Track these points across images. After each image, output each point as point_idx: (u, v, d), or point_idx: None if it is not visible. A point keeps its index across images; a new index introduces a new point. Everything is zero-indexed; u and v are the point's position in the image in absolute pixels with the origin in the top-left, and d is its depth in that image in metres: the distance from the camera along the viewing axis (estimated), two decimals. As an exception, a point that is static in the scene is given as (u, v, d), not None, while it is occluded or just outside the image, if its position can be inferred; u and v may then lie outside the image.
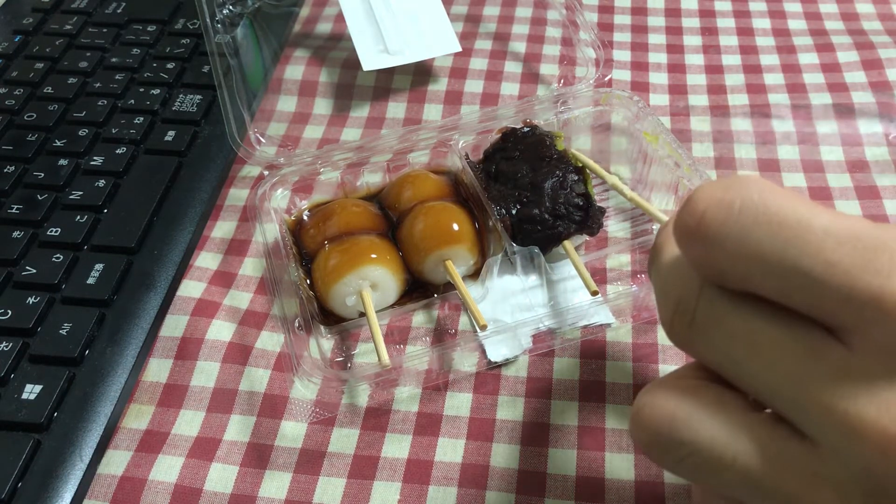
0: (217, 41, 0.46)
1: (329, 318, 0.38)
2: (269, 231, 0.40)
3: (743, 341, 0.22)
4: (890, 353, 0.20)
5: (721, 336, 0.23)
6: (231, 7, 0.48)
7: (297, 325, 0.36)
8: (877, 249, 0.20)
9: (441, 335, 0.39)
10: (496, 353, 0.37)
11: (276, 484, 0.34)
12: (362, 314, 0.37)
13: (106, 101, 0.49)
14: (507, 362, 0.37)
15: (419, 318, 0.39)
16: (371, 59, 0.50)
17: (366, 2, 0.52)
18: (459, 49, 0.51)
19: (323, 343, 0.38)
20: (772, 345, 0.22)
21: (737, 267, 0.22)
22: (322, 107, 0.52)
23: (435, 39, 0.51)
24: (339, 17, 0.58)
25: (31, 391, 0.35)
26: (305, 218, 0.42)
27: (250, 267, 0.42)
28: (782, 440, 0.22)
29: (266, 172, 0.43)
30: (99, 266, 0.40)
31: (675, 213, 0.23)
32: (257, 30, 0.52)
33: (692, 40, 0.56)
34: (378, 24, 0.51)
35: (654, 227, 0.42)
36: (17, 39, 0.55)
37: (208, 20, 0.46)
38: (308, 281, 0.39)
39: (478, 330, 0.36)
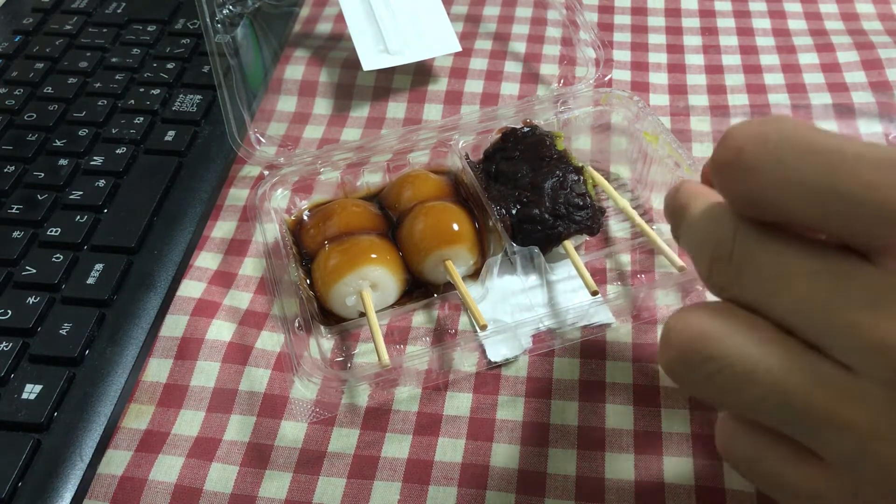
0: (217, 41, 0.46)
1: (329, 318, 0.38)
2: (269, 231, 0.40)
3: (778, 272, 0.23)
4: None
5: (757, 270, 0.23)
6: (231, 7, 0.48)
7: (297, 325, 0.36)
8: None
9: (441, 335, 0.39)
10: (496, 353, 0.37)
11: (276, 484, 0.34)
12: (362, 314, 0.37)
13: (106, 101, 0.49)
14: (507, 362, 0.37)
15: (419, 318, 0.39)
16: (371, 59, 0.50)
17: (366, 2, 0.52)
18: (459, 49, 0.51)
19: (323, 343, 0.38)
20: (806, 274, 0.22)
21: (776, 195, 0.22)
22: (322, 107, 0.52)
23: (435, 39, 0.51)
24: (339, 17, 0.58)
25: (31, 391, 0.35)
26: (305, 218, 0.42)
27: (250, 267, 0.42)
28: (814, 360, 0.22)
29: (266, 172, 0.43)
30: (99, 266, 0.40)
31: (712, 154, 0.24)
32: (257, 30, 0.52)
33: (692, 40, 0.56)
34: (378, 24, 0.51)
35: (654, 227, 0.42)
36: (17, 39, 0.55)
37: (208, 20, 0.46)
38: (308, 281, 0.39)
39: (478, 330, 0.36)
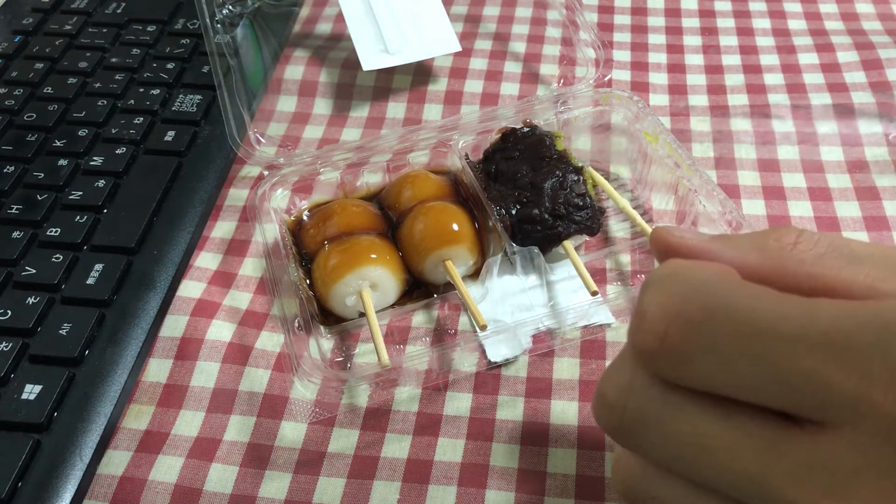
0: (217, 41, 0.46)
1: (329, 318, 0.38)
2: (269, 231, 0.40)
3: (693, 441, 0.21)
4: (864, 448, 0.19)
5: (666, 435, 0.22)
6: (231, 7, 0.48)
7: (297, 325, 0.36)
8: (849, 350, 0.19)
9: (441, 335, 0.39)
10: (496, 354, 0.37)
11: (276, 484, 0.34)
12: (362, 314, 0.37)
13: (106, 102, 0.49)
14: (506, 362, 0.37)
15: (419, 318, 0.39)
16: (371, 59, 0.50)
17: (366, 2, 0.52)
18: (459, 49, 0.51)
19: (323, 343, 0.38)
20: (728, 443, 0.21)
21: (705, 382, 0.21)
22: (322, 107, 0.52)
23: (435, 39, 0.51)
24: (339, 17, 0.58)
25: (30, 391, 0.35)
26: (305, 218, 0.42)
27: (250, 267, 0.42)
28: None
29: (266, 172, 0.43)
30: (99, 266, 0.40)
31: (631, 330, 0.22)
32: (257, 30, 0.52)
33: (692, 40, 0.56)
34: (378, 24, 0.51)
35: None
36: (16, 39, 0.55)
37: (208, 20, 0.46)
38: (308, 281, 0.39)
39: (478, 330, 0.36)
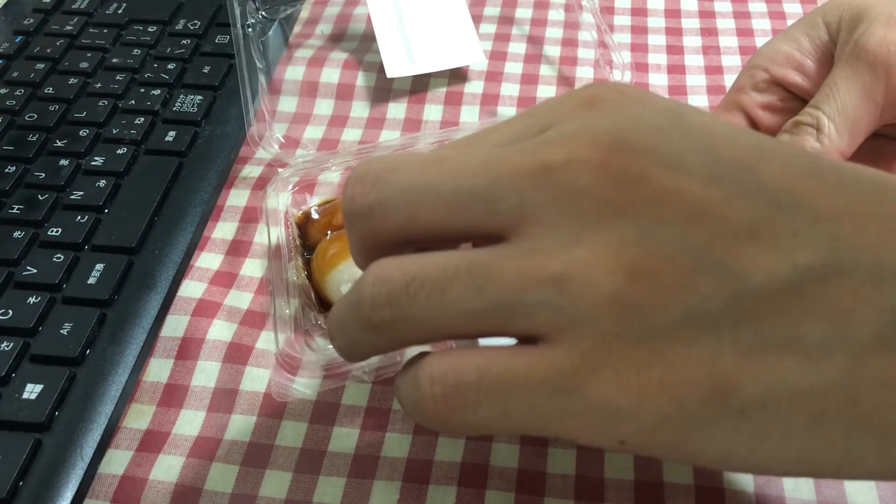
0: (245, 45, 0.46)
1: (327, 308, 0.38)
2: (272, 231, 0.40)
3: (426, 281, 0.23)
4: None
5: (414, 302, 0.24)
6: (264, 14, 0.48)
7: (298, 326, 0.36)
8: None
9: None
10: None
11: (276, 483, 0.34)
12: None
13: (107, 102, 0.49)
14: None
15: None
16: (395, 66, 0.50)
17: (396, 10, 0.52)
18: (483, 59, 0.52)
19: (324, 343, 0.38)
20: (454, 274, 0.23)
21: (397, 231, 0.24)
22: (323, 107, 0.52)
23: (459, 48, 0.52)
24: (340, 18, 0.58)
25: (31, 391, 0.35)
26: (314, 213, 0.42)
27: (251, 267, 0.42)
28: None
29: (280, 170, 0.44)
30: (99, 266, 0.40)
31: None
32: (287, 34, 0.52)
33: (692, 41, 0.56)
34: (405, 32, 0.51)
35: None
36: (17, 40, 0.55)
37: (240, 28, 0.46)
38: (306, 272, 0.39)
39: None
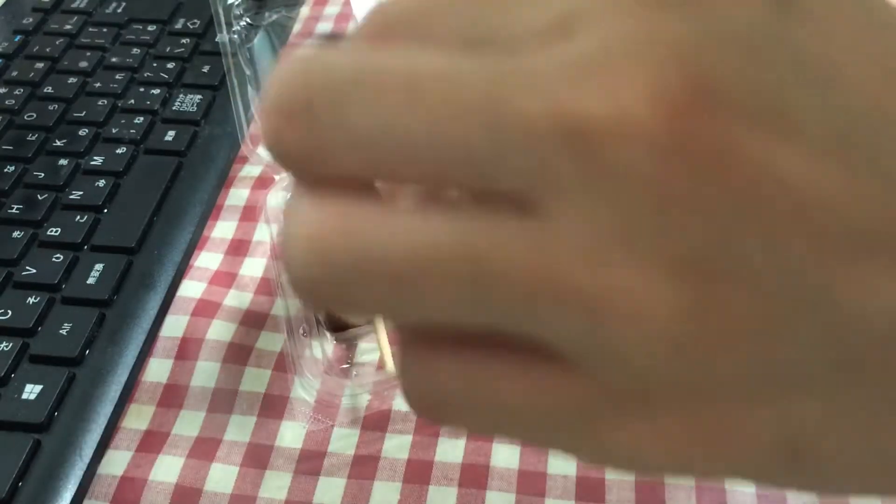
0: (233, 52, 0.45)
1: (334, 320, 0.38)
2: (275, 231, 0.40)
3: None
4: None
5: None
6: (249, 20, 0.48)
7: (300, 327, 0.36)
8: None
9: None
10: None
11: (276, 484, 0.34)
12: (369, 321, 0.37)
13: (106, 101, 0.49)
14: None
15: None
16: None
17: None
18: None
19: (325, 344, 0.37)
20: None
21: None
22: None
23: None
24: (340, 17, 0.58)
25: (31, 391, 0.35)
26: None
27: (250, 267, 0.42)
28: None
29: (278, 177, 0.43)
30: (99, 266, 0.40)
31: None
32: (274, 41, 0.52)
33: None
34: None
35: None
36: (17, 39, 0.55)
37: (226, 34, 0.46)
38: None
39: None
